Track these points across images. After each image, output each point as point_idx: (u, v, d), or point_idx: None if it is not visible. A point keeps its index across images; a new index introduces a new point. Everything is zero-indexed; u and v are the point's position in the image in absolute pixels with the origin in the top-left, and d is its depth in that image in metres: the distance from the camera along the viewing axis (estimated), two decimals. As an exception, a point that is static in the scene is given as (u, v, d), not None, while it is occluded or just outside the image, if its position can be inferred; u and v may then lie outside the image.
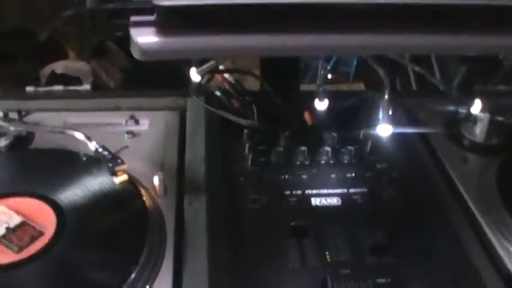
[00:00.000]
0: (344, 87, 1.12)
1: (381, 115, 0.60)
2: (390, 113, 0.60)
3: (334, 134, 0.70)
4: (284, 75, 0.80)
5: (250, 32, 0.41)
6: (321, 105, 0.68)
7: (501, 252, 0.58)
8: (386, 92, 0.58)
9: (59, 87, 0.74)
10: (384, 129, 0.63)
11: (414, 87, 0.93)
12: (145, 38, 0.41)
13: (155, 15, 0.42)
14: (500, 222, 0.60)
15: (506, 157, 0.69)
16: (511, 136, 0.73)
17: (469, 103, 0.72)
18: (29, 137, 0.69)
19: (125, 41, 0.43)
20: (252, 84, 0.80)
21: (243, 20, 0.41)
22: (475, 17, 0.39)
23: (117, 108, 0.73)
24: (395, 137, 0.68)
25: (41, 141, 0.68)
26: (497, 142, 0.72)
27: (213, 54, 0.49)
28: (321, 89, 0.68)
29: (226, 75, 0.76)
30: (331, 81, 1.19)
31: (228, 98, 0.75)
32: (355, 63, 1.42)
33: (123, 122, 0.72)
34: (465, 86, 0.81)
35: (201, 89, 0.75)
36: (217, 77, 0.76)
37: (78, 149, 0.65)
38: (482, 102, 0.71)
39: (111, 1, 0.45)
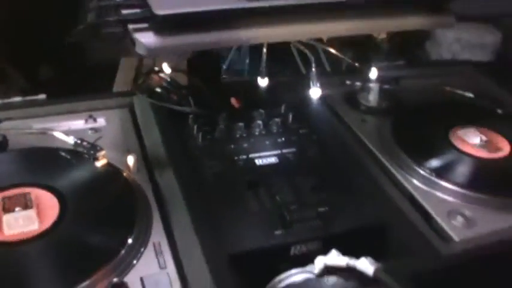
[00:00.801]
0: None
1: (311, 82, 0.88)
2: (317, 82, 0.88)
3: (262, 111, 0.97)
4: (208, 71, 1.06)
5: (219, 30, 0.67)
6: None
7: (401, 178, 0.87)
8: (313, 65, 0.86)
9: (17, 98, 0.93)
10: (314, 92, 0.90)
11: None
12: (148, 39, 0.65)
13: (152, 21, 0.66)
14: (397, 159, 0.90)
15: (395, 115, 1.00)
16: (396, 100, 1.04)
17: (362, 76, 1.03)
18: (3, 143, 0.88)
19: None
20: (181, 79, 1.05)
21: (215, 22, 0.67)
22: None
23: (75, 111, 0.95)
24: (310, 109, 0.97)
25: (16, 145, 0.88)
26: (387, 105, 1.03)
27: (197, 48, 0.73)
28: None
29: (162, 75, 1.00)
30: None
31: (167, 93, 0.99)
32: (247, 61, 1.70)
33: (84, 121, 0.93)
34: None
35: (143, 88, 0.99)
36: (155, 77, 1.00)
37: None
38: (373, 74, 1.02)
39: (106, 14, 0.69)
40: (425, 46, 1.36)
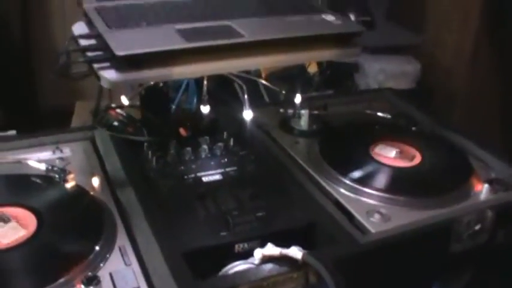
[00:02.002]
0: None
1: (244, 107, 1.11)
2: (248, 107, 1.12)
3: (207, 137, 1.20)
4: (158, 105, 1.28)
5: (167, 66, 0.90)
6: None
7: (327, 187, 1.10)
8: (245, 92, 1.09)
9: (-11, 134, 1.15)
10: (247, 114, 1.14)
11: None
12: (111, 75, 0.88)
13: (113, 61, 0.89)
14: (324, 171, 1.13)
15: (322, 136, 1.24)
16: (324, 123, 1.29)
17: (294, 105, 1.27)
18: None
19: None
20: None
21: (163, 60, 0.90)
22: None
23: (43, 144, 1.16)
24: (249, 134, 1.20)
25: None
26: (316, 128, 1.28)
27: (150, 80, 0.95)
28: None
29: (118, 110, 1.23)
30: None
31: (123, 125, 1.21)
32: (195, 100, 1.93)
33: (52, 152, 1.15)
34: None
35: (102, 122, 1.21)
36: (112, 112, 1.23)
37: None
38: (303, 102, 1.26)
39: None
40: (354, 77, 1.62)
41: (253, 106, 1.21)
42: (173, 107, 1.35)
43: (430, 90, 1.70)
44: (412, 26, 1.80)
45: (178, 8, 1.06)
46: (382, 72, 1.57)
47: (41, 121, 2.03)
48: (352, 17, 1.12)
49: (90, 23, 1.02)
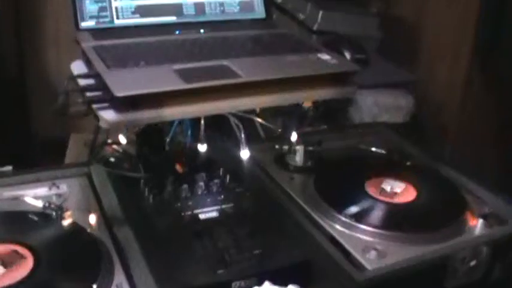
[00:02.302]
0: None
1: (241, 146, 1.13)
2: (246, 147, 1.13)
3: (203, 174, 1.21)
4: (153, 142, 1.30)
5: (165, 106, 0.92)
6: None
7: (323, 223, 1.11)
8: (242, 132, 1.11)
9: (-16, 170, 1.15)
10: (244, 154, 1.15)
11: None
12: (109, 115, 0.89)
13: (112, 101, 0.90)
14: (320, 208, 1.14)
15: (317, 172, 1.25)
16: (319, 159, 1.30)
17: (289, 141, 1.29)
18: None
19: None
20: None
21: (161, 100, 0.91)
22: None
23: (39, 180, 1.16)
24: (245, 171, 1.21)
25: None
26: (311, 164, 1.29)
27: (149, 121, 0.96)
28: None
29: (114, 146, 1.24)
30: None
31: (120, 161, 1.22)
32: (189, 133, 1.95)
33: (48, 189, 1.15)
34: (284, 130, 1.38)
35: (99, 158, 1.22)
36: (108, 148, 1.24)
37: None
38: (298, 138, 1.28)
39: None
40: (348, 111, 1.64)
41: (249, 142, 1.22)
42: (167, 139, 1.36)
43: (423, 123, 1.72)
44: (405, 60, 1.83)
45: (176, 47, 1.09)
46: (375, 106, 1.60)
47: (34, 152, 2.04)
48: (347, 55, 1.15)
49: (88, 62, 1.04)
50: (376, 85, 1.54)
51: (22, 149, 1.98)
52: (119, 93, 0.88)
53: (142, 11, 1.17)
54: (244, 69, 0.98)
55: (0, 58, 1.99)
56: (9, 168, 1.19)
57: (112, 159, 1.22)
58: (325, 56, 1.08)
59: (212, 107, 0.95)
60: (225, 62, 1.01)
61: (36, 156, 1.97)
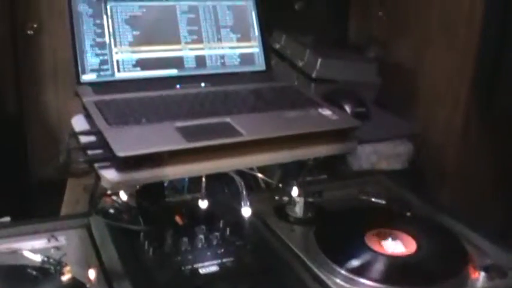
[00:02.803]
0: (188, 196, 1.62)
1: (242, 203, 1.13)
2: (248, 202, 1.13)
3: (203, 227, 1.21)
4: (153, 193, 1.30)
5: (168, 165, 0.92)
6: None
7: (324, 277, 1.11)
8: (243, 189, 1.11)
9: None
10: (246, 211, 1.15)
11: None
12: (111, 175, 0.90)
13: (114, 161, 0.91)
14: (320, 261, 1.14)
15: (318, 224, 1.25)
16: (320, 210, 1.30)
17: (289, 192, 1.29)
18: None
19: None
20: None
21: (164, 160, 0.92)
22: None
23: (37, 232, 1.16)
24: (245, 223, 1.21)
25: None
26: (312, 215, 1.29)
27: (151, 181, 0.96)
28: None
29: (114, 197, 1.24)
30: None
31: (119, 213, 1.22)
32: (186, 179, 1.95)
33: (47, 241, 1.15)
34: (283, 181, 1.38)
35: (98, 209, 1.21)
36: (108, 199, 1.24)
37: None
38: (298, 190, 1.28)
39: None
40: (347, 159, 1.64)
41: (248, 192, 1.22)
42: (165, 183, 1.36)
43: (422, 169, 1.72)
44: (404, 105, 1.84)
45: (177, 102, 1.10)
46: (374, 154, 1.60)
47: (31, 194, 2.04)
48: (348, 108, 1.15)
49: (89, 117, 1.04)
50: (377, 139, 1.55)
51: (20, 189, 1.98)
52: (121, 153, 0.89)
53: (143, 64, 1.18)
54: (246, 127, 0.99)
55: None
56: (7, 219, 1.19)
57: (111, 211, 1.22)
58: (326, 111, 1.09)
59: (214, 166, 0.96)
60: (226, 119, 1.02)
61: (34, 197, 1.97)
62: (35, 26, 2.02)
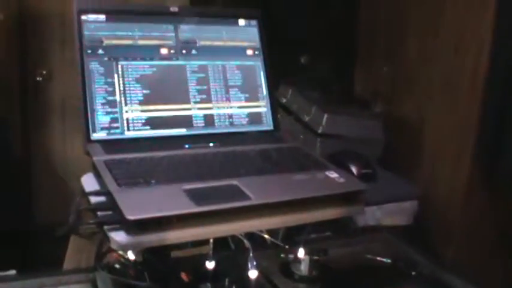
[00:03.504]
0: (197, 251, 1.63)
1: (249, 265, 1.13)
2: (254, 263, 1.14)
3: (209, 284, 1.21)
4: (159, 248, 1.30)
5: (177, 229, 0.93)
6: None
7: None
8: (251, 251, 1.12)
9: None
10: (252, 274, 1.15)
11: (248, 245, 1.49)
12: (120, 237, 0.90)
13: (123, 223, 0.91)
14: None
15: (323, 284, 1.25)
16: (325, 268, 1.30)
17: (294, 250, 1.29)
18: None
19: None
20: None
21: (173, 223, 0.93)
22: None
23: (43, 286, 1.16)
24: (250, 283, 1.21)
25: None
26: (317, 273, 1.29)
27: (160, 244, 0.97)
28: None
29: (120, 252, 1.24)
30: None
31: (125, 268, 1.22)
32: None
33: (51, 297, 1.15)
34: (287, 238, 1.38)
35: (103, 264, 1.22)
36: (114, 254, 1.24)
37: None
38: (303, 248, 1.28)
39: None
40: (352, 215, 1.64)
41: (254, 249, 1.22)
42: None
43: (426, 225, 1.73)
44: (408, 161, 1.85)
45: (186, 163, 1.11)
46: (379, 210, 1.61)
47: (36, 241, 2.04)
48: (354, 170, 1.16)
49: (99, 176, 1.05)
50: (382, 201, 1.56)
51: (24, 231, 1.98)
52: (131, 216, 0.89)
53: (152, 123, 1.19)
54: (254, 190, 1.00)
55: (5, 140, 2.01)
56: (13, 272, 1.19)
57: (117, 266, 1.22)
58: (333, 174, 1.10)
59: (222, 229, 0.97)
60: (234, 182, 1.03)
61: (39, 243, 1.96)
62: (45, 72, 2.05)
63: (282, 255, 1.33)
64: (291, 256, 1.32)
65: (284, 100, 1.89)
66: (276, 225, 1.06)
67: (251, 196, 0.99)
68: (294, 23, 2.06)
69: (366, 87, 2.15)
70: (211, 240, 1.17)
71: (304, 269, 1.29)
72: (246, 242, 1.11)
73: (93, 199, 1.00)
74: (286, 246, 1.28)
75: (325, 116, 1.70)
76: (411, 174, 1.83)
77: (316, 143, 1.69)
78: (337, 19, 2.15)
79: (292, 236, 1.38)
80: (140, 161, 1.09)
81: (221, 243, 1.28)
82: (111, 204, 0.95)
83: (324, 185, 1.07)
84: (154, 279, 1.20)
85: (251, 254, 1.13)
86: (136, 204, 0.93)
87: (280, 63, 1.97)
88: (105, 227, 0.92)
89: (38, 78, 2.06)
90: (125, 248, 0.90)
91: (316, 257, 1.30)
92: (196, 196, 0.97)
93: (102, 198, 1.00)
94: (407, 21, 1.94)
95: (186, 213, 0.93)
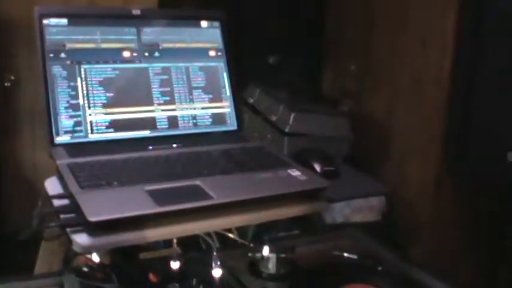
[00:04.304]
0: (165, 252, 1.64)
1: (213, 264, 1.15)
2: (218, 262, 1.15)
3: (176, 285, 1.22)
4: (128, 250, 1.32)
5: (140, 229, 0.94)
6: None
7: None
8: (214, 250, 1.13)
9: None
10: (216, 272, 1.17)
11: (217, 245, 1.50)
12: (83, 239, 0.92)
13: (85, 225, 0.93)
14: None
15: (290, 281, 1.27)
16: (293, 266, 1.32)
17: (261, 248, 1.31)
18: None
19: None
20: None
21: (136, 224, 0.94)
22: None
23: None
24: (218, 281, 1.23)
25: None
26: (285, 271, 1.31)
27: (123, 244, 0.98)
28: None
29: (88, 255, 1.25)
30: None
31: (93, 271, 1.23)
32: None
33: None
34: (257, 237, 1.40)
35: (71, 268, 1.23)
36: (82, 257, 1.25)
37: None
38: (270, 246, 1.30)
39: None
40: (321, 213, 1.67)
41: (223, 249, 1.24)
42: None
43: (395, 221, 1.75)
44: (377, 159, 1.88)
45: (148, 164, 1.12)
46: (347, 207, 1.63)
47: (7, 243, 2.03)
48: (317, 168, 1.19)
49: (62, 179, 1.06)
50: (348, 197, 1.58)
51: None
52: (93, 217, 0.91)
53: (116, 125, 1.21)
54: (216, 190, 1.02)
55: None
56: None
57: (85, 269, 1.23)
58: (295, 172, 1.12)
59: (185, 229, 0.98)
60: (197, 182, 1.05)
61: (8, 245, 1.96)
62: (13, 78, 2.05)
63: (249, 254, 1.35)
64: (259, 255, 1.33)
65: (252, 100, 1.91)
66: (239, 223, 1.07)
67: (213, 195, 1.01)
68: (263, 24, 2.08)
69: (334, 86, 2.17)
70: (174, 241, 1.18)
71: (271, 267, 1.30)
72: (210, 241, 1.12)
73: (56, 202, 1.01)
74: (251, 245, 1.29)
75: (292, 114, 1.72)
76: (380, 172, 1.86)
77: (284, 142, 1.71)
78: (306, 19, 2.18)
79: (262, 235, 1.39)
80: (104, 163, 1.11)
81: (191, 243, 1.30)
82: (74, 206, 0.97)
83: (285, 183, 1.09)
84: (122, 281, 1.21)
85: (215, 253, 1.15)
86: (98, 205, 0.94)
87: (248, 63, 2.00)
88: (68, 230, 0.93)
89: (6, 84, 2.06)
90: (88, 250, 0.91)
91: (283, 255, 1.32)
92: (158, 197, 0.98)
93: (65, 201, 1.01)
94: (375, 19, 1.96)
95: (148, 213, 0.94)
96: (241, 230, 1.43)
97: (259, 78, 1.98)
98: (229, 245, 1.37)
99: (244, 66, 1.96)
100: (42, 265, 1.58)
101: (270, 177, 1.10)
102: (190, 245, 1.31)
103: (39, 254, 1.62)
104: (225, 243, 1.33)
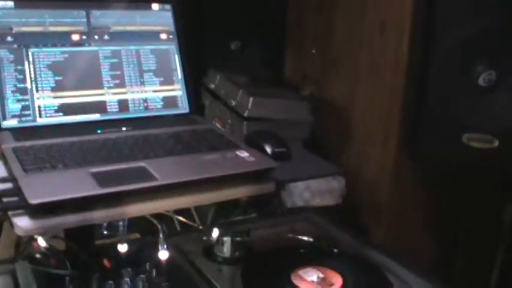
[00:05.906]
0: (124, 238, 1.64)
1: (160, 246, 1.15)
2: (165, 246, 1.15)
3: (129, 269, 1.22)
4: (82, 236, 1.31)
5: (82, 211, 0.94)
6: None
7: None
8: (161, 234, 1.13)
9: None
10: (163, 254, 1.17)
11: (178, 228, 1.50)
12: (24, 222, 0.91)
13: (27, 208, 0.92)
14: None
15: (245, 264, 1.28)
16: (248, 249, 1.33)
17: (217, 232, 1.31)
18: None
19: None
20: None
21: (78, 206, 0.94)
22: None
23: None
24: (172, 264, 1.23)
25: None
26: (239, 254, 1.31)
27: (66, 227, 0.98)
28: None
29: (42, 243, 1.24)
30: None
31: (46, 258, 1.23)
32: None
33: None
34: (215, 221, 1.41)
35: (24, 254, 1.22)
36: (35, 244, 1.24)
37: None
38: (220, 229, 1.30)
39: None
40: (281, 196, 1.67)
41: (178, 233, 1.24)
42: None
43: (356, 205, 1.76)
44: (338, 143, 1.89)
45: (96, 147, 1.12)
46: (307, 190, 1.63)
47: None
48: (268, 149, 1.19)
49: (7, 164, 1.06)
50: (299, 179, 1.59)
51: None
52: (33, 200, 0.90)
53: (65, 109, 1.20)
54: (161, 171, 1.02)
55: None
56: None
57: (38, 256, 1.22)
58: (243, 153, 1.12)
59: (129, 211, 0.98)
60: (142, 164, 1.05)
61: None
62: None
63: (204, 238, 1.35)
64: (214, 238, 1.34)
65: (213, 86, 1.90)
66: (185, 205, 1.08)
67: (157, 177, 1.01)
68: (225, 9, 2.07)
69: (295, 71, 2.17)
70: (120, 223, 1.18)
71: (226, 250, 1.31)
72: (156, 223, 1.12)
73: (0, 186, 1.01)
74: (200, 227, 1.30)
75: (251, 99, 1.71)
76: (341, 155, 1.87)
77: (243, 127, 1.71)
78: (268, 3, 2.17)
79: (220, 218, 1.40)
80: (50, 146, 1.10)
81: (150, 227, 1.30)
82: (17, 190, 0.96)
83: (233, 164, 1.10)
84: (76, 267, 1.21)
85: (161, 236, 1.15)
86: (40, 188, 0.94)
87: (210, 49, 1.99)
88: (10, 213, 0.93)
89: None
90: (29, 233, 0.91)
91: (238, 238, 1.33)
92: (101, 178, 0.98)
93: (8, 185, 1.01)
94: (335, 2, 1.96)
95: (90, 195, 0.94)
96: (201, 214, 1.43)
97: (221, 64, 1.98)
98: (184, 230, 1.38)
99: (206, 52, 1.96)
100: (4, 252, 1.57)
101: (217, 158, 1.11)
102: (150, 230, 1.31)
103: (0, 241, 1.60)
104: (185, 227, 1.34)
